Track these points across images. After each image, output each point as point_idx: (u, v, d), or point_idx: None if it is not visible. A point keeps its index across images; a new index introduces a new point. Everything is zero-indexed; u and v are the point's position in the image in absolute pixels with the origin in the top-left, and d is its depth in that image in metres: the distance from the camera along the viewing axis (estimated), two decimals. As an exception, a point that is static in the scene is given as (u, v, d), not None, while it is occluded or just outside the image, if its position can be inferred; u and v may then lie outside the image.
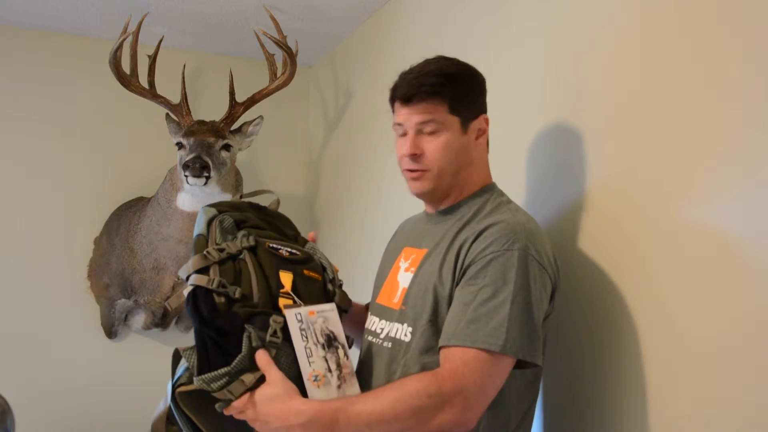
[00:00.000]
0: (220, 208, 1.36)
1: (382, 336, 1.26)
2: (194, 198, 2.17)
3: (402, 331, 1.22)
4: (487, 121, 1.30)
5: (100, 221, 2.52)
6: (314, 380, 1.14)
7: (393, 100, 1.31)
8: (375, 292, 1.38)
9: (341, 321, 1.25)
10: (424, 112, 1.23)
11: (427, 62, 1.28)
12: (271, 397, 1.09)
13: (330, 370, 1.17)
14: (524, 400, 1.22)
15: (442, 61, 1.29)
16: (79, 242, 2.49)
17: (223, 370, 1.13)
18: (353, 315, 1.40)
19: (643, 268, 1.20)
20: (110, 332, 2.48)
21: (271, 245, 1.28)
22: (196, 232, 1.32)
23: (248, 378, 1.12)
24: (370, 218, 2.29)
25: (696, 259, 1.11)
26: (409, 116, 1.25)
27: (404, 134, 1.27)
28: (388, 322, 1.26)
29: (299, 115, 2.89)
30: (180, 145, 2.17)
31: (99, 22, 2.45)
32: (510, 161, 1.60)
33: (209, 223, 1.32)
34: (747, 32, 1.05)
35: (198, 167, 2.06)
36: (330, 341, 1.20)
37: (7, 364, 2.34)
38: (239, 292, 1.19)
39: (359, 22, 2.44)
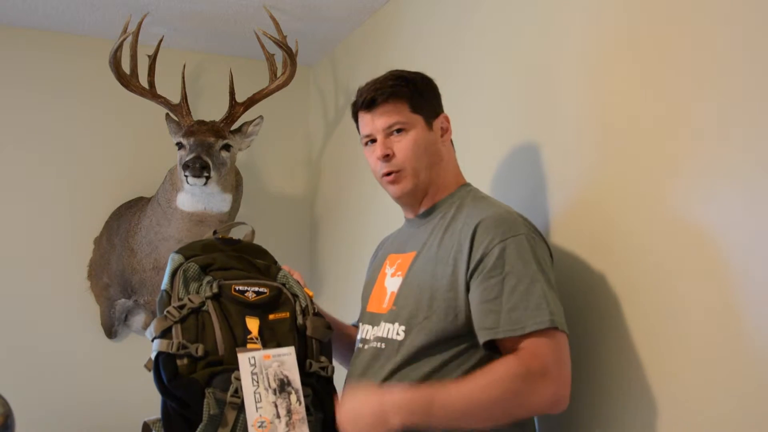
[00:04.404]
0: (188, 252, 1.35)
1: (372, 340, 1.27)
2: (194, 198, 2.17)
3: (394, 330, 1.23)
4: (447, 120, 1.34)
5: (100, 221, 2.52)
6: (259, 426, 1.15)
7: (356, 113, 1.35)
8: (363, 304, 1.39)
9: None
10: (389, 113, 1.28)
11: (382, 75, 1.34)
12: (361, 404, 1.13)
13: (278, 416, 1.17)
14: None
15: (395, 70, 1.35)
16: (79, 242, 2.49)
17: None
18: (337, 335, 1.41)
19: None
20: (110, 332, 2.48)
21: (237, 288, 1.28)
22: (162, 286, 1.31)
23: None
24: (370, 218, 2.28)
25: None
26: (375, 121, 1.29)
27: (374, 141, 1.31)
28: (378, 327, 1.27)
29: (299, 115, 2.89)
30: (180, 145, 2.17)
31: (99, 22, 2.45)
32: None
33: (173, 275, 1.31)
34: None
35: (198, 167, 2.06)
36: (283, 386, 1.20)
37: (7, 364, 2.34)
38: (202, 349, 1.20)
39: (359, 22, 2.44)
